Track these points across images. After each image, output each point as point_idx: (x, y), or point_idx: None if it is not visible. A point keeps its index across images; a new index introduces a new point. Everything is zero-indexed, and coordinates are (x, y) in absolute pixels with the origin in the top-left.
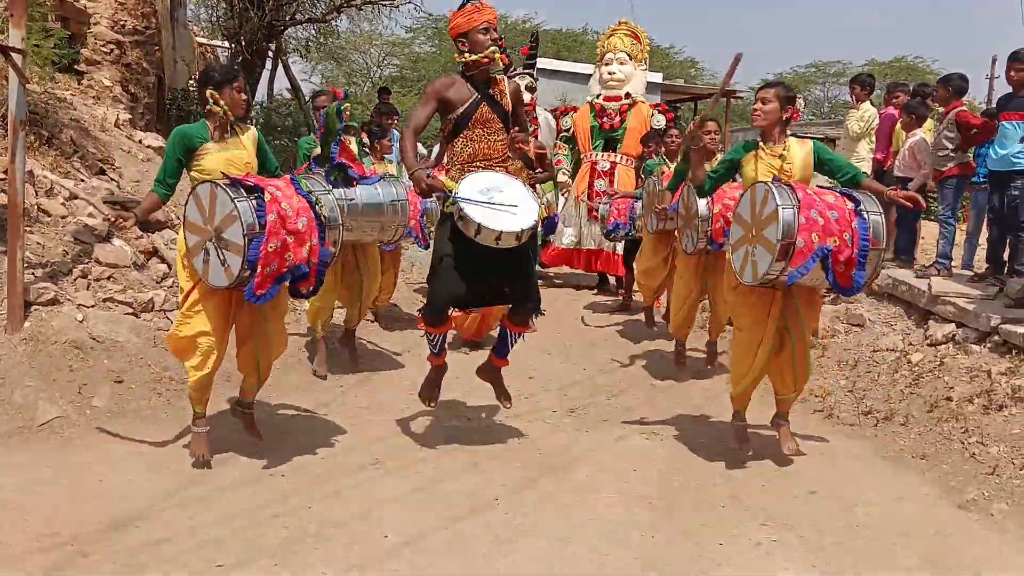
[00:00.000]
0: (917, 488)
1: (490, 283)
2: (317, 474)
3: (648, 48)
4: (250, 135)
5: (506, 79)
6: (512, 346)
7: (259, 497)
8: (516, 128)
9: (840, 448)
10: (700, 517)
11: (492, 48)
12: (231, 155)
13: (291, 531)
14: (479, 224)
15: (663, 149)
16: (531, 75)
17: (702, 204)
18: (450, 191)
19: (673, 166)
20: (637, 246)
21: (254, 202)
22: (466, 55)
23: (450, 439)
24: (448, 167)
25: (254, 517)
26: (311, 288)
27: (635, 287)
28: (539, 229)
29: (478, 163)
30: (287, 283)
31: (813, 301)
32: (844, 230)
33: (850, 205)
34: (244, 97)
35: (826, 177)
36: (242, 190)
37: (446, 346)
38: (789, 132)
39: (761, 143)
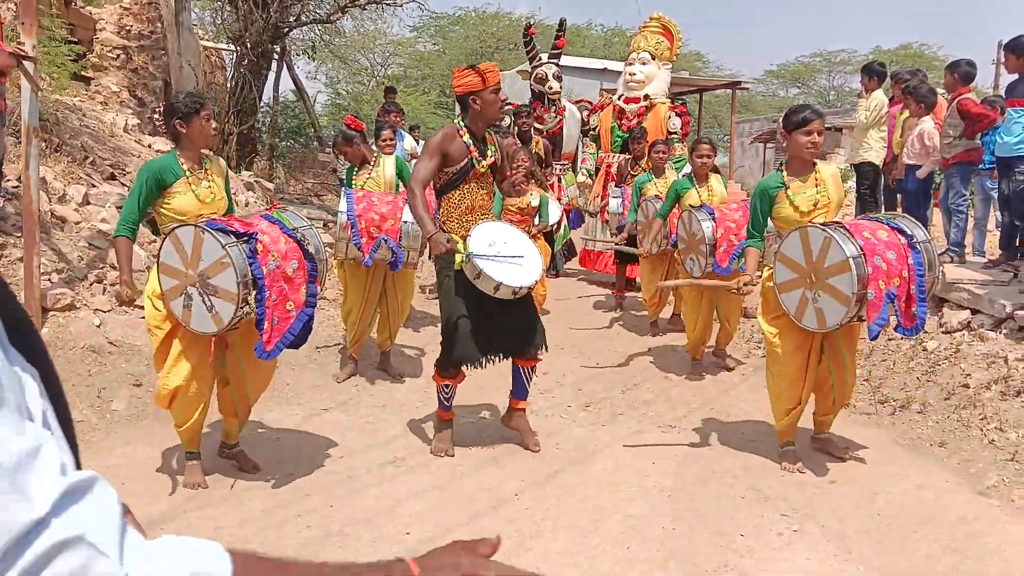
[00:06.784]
0: (937, 476)
1: (501, 334)
2: (337, 472)
3: (679, 43)
4: (219, 167)
5: (495, 135)
6: (528, 384)
7: (280, 497)
8: (510, 173)
9: (858, 437)
10: (721, 508)
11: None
12: (202, 192)
13: (314, 530)
14: (499, 282)
15: (666, 156)
16: (556, 64)
17: (707, 228)
18: (463, 251)
19: (657, 182)
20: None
21: (245, 247)
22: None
23: (468, 436)
24: (444, 219)
25: (277, 517)
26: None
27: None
28: (565, 223)
29: (475, 215)
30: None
31: (851, 332)
32: (903, 268)
33: (902, 240)
34: (214, 125)
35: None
36: (231, 235)
37: (453, 399)
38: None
39: (790, 176)
